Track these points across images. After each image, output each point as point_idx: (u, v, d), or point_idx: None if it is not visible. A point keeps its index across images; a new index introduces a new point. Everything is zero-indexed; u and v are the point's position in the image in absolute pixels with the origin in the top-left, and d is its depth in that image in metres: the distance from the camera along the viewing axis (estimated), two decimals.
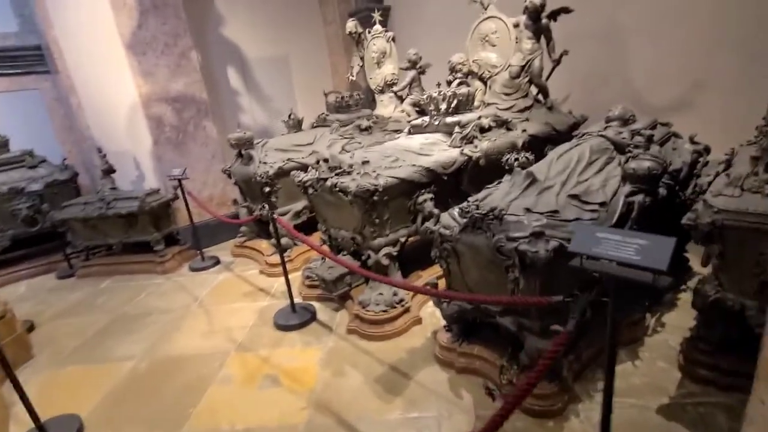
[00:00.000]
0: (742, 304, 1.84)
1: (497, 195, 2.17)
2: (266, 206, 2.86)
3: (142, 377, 2.71)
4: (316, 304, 3.31)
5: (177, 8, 4.53)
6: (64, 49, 4.57)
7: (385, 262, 2.89)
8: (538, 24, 3.61)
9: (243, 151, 4.10)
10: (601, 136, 2.55)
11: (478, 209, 1.94)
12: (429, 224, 2.19)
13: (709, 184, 2.05)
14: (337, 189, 2.79)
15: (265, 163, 3.97)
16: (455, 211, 2.13)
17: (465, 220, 1.95)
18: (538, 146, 3.59)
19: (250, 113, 5.83)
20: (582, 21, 3.75)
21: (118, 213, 4.24)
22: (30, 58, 5.25)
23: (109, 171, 4.50)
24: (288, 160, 4.05)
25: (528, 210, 1.94)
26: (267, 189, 3.96)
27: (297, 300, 3.37)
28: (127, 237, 4.44)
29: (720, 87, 3.42)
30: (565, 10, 3.60)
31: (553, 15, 3.63)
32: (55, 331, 3.45)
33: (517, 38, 3.72)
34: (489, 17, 3.84)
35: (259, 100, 5.90)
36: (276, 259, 3.82)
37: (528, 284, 1.82)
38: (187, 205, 4.33)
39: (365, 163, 2.83)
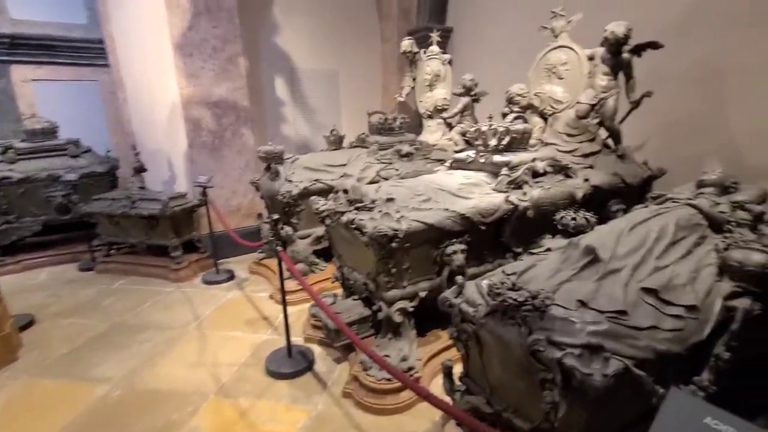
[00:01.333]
0: None
1: (542, 270, 1.66)
2: (274, 238, 2.51)
3: (110, 409, 2.42)
4: (318, 349, 2.91)
5: (231, 12, 4.44)
6: (118, 44, 4.61)
7: (398, 319, 2.44)
8: (618, 58, 3.08)
9: (272, 165, 3.85)
10: (691, 205, 1.96)
11: (513, 290, 1.45)
12: (448, 294, 1.73)
13: None
14: (354, 226, 2.39)
15: (290, 181, 3.68)
16: (484, 283, 1.65)
17: (494, 302, 1.47)
18: (601, 200, 3.06)
19: (292, 125, 5.65)
20: (672, 59, 3.16)
21: (140, 214, 4.13)
22: (93, 51, 5.42)
23: (140, 170, 4.43)
24: (316, 180, 3.74)
25: (583, 303, 1.42)
26: (288, 209, 3.66)
27: (298, 340, 3.00)
28: (148, 239, 4.32)
29: None
30: (654, 45, 3.04)
31: (638, 50, 3.08)
32: (51, 331, 3.30)
33: (590, 73, 3.20)
34: (559, 46, 3.35)
35: (303, 112, 5.71)
36: (291, 284, 3.49)
37: (571, 413, 1.29)
38: (208, 213, 4.14)
39: (390, 200, 2.42)
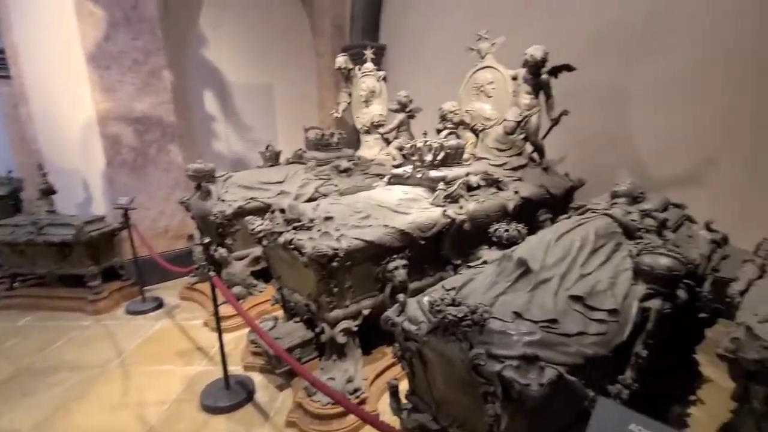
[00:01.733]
0: None
1: (480, 284, 1.71)
2: (207, 261, 2.35)
3: None
4: (258, 377, 2.76)
5: (153, 24, 4.17)
6: (21, 54, 4.13)
7: (342, 339, 2.38)
8: (538, 79, 3.31)
9: (202, 184, 3.63)
10: (607, 215, 2.14)
11: (453, 305, 1.46)
12: (391, 313, 1.71)
13: (742, 294, 1.64)
14: (292, 247, 2.31)
15: (223, 200, 3.49)
16: (425, 300, 1.65)
17: (435, 319, 1.47)
18: (531, 210, 3.23)
19: (225, 141, 5.41)
20: (585, 81, 3.47)
21: (49, 240, 3.68)
22: None
23: (47, 191, 3.97)
24: (251, 199, 3.58)
25: (518, 315, 1.47)
26: (222, 230, 3.46)
27: (236, 369, 2.82)
28: (59, 268, 3.86)
29: (734, 164, 3.11)
30: (568, 68, 3.31)
31: (554, 71, 3.35)
32: None
33: (514, 92, 3.42)
34: (486, 67, 3.55)
35: (236, 127, 5.50)
36: (227, 309, 3.28)
37: (512, 423, 1.33)
38: (131, 237, 3.79)
39: (328, 218, 2.37)
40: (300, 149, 4.43)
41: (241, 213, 3.49)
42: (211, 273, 2.34)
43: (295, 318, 2.74)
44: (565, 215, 2.37)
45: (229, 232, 3.54)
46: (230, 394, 2.52)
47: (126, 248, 4.00)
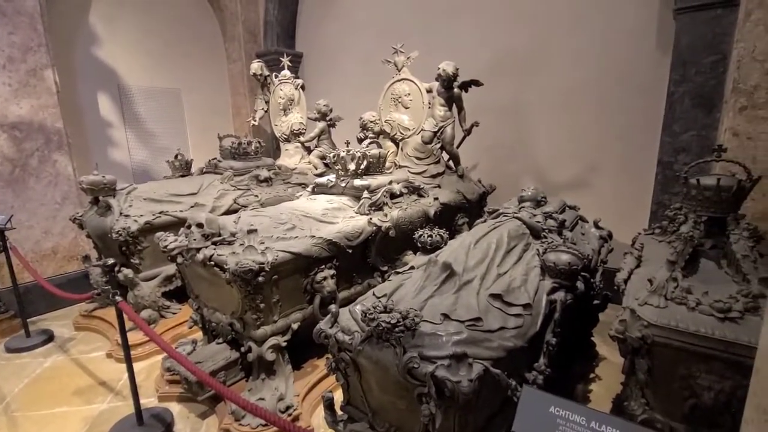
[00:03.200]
0: (670, 428, 1.63)
1: (409, 289, 1.77)
2: (109, 285, 2.09)
3: None
4: (177, 407, 2.52)
5: (33, 18, 3.64)
6: None
7: (271, 357, 2.28)
8: (451, 92, 3.54)
9: (100, 198, 3.23)
10: (517, 218, 2.35)
11: (385, 312, 1.49)
12: (323, 325, 1.69)
13: (625, 282, 1.92)
14: (213, 263, 2.17)
15: (127, 215, 3.15)
16: (357, 309, 1.66)
17: (369, 327, 1.49)
18: (449, 215, 3.42)
19: (124, 150, 4.89)
20: (491, 96, 3.79)
21: None
22: None
23: None
24: (160, 213, 3.28)
25: (446, 316, 1.55)
26: (126, 249, 3.12)
27: (150, 401, 2.55)
28: None
29: (611, 170, 3.62)
30: (476, 83, 3.60)
31: (465, 86, 3.61)
32: None
33: (430, 103, 3.60)
34: (403, 79, 3.69)
35: (139, 135, 5.00)
36: (136, 336, 2.96)
37: (446, 420, 1.39)
38: (9, 261, 3.24)
39: (252, 231, 2.27)
40: (214, 158, 4.18)
41: (148, 229, 3.18)
42: (117, 297, 2.09)
43: (218, 339, 2.56)
44: (481, 219, 2.56)
45: (135, 251, 3.20)
46: (145, 430, 2.26)
47: (4, 274, 3.41)
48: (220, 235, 2.25)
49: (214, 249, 2.19)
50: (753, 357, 1.12)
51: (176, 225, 3.02)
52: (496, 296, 1.72)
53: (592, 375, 2.71)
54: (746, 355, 1.39)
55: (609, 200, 3.59)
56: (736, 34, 2.54)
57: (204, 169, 4.14)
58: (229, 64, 5.74)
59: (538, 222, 2.33)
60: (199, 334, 2.81)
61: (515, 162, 4.13)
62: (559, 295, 1.88)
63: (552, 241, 2.19)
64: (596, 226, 2.73)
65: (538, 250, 2.12)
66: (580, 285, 2.04)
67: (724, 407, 1.53)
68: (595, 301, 2.46)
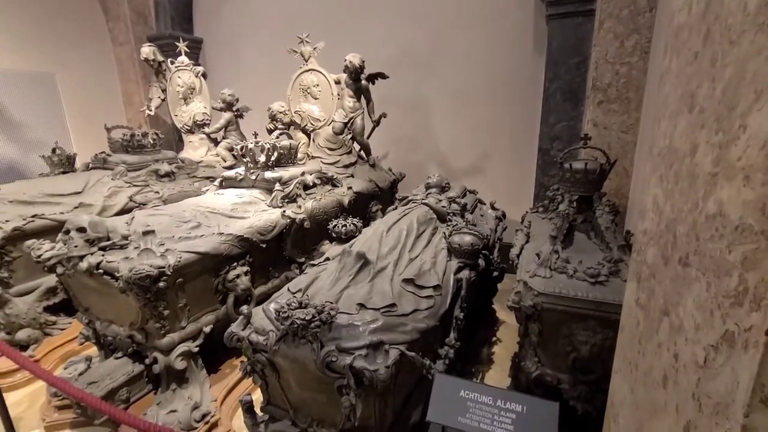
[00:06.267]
0: (558, 379, 1.79)
1: (324, 282, 1.68)
2: None
3: None
4: None
5: None
6: None
7: (181, 365, 2.02)
8: (358, 84, 3.45)
9: None
10: (424, 203, 2.38)
11: (300, 308, 1.38)
12: (235, 328, 1.52)
13: (518, 257, 2.05)
14: (102, 272, 1.83)
15: None
16: (271, 308, 1.52)
17: (284, 326, 1.37)
18: (363, 203, 3.37)
19: None
20: (396, 89, 3.79)
21: None
22: None
23: None
24: (34, 217, 2.70)
25: (362, 305, 1.50)
26: None
27: None
28: None
29: (501, 158, 3.88)
30: (382, 76, 3.55)
31: (371, 78, 3.54)
32: None
33: (338, 95, 3.47)
34: (310, 69, 3.50)
35: (3, 126, 4.08)
36: (6, 363, 2.42)
37: (367, 408, 1.34)
38: None
39: (148, 233, 1.96)
40: (102, 152, 3.57)
41: (19, 236, 2.60)
42: None
43: (116, 353, 2.20)
44: (393, 206, 2.54)
45: (3, 262, 2.60)
46: None
47: None
48: (109, 239, 1.91)
49: (103, 255, 1.85)
50: (618, 313, 1.25)
51: (56, 229, 2.50)
52: (408, 281, 1.71)
53: (494, 339, 2.90)
54: (612, 312, 1.57)
55: (501, 184, 3.84)
56: (593, 39, 2.83)
57: (90, 165, 3.53)
58: (115, 47, 4.93)
59: (444, 207, 2.39)
60: (94, 350, 2.39)
61: (420, 151, 4.22)
62: (465, 274, 1.95)
63: (456, 224, 2.26)
64: (492, 207, 2.89)
65: (444, 233, 2.17)
66: (481, 262, 2.14)
67: (597, 357, 1.72)
68: (495, 274, 2.61)
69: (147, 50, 4.05)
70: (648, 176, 0.97)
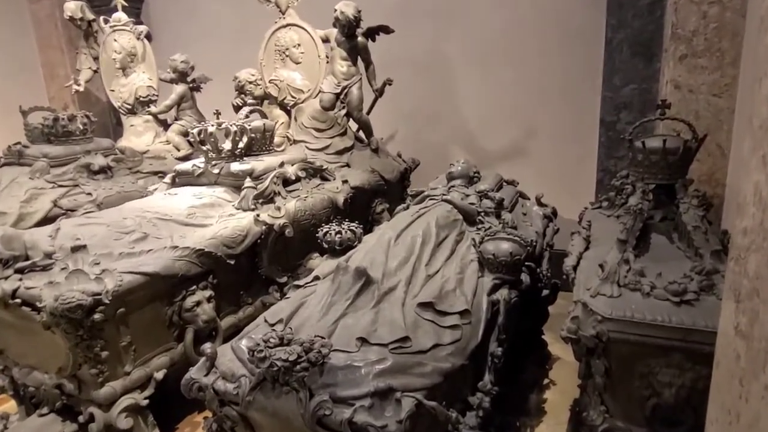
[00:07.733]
0: None
1: (313, 309, 1.71)
2: None
3: None
4: None
5: None
6: None
7: (126, 424, 2.07)
8: (354, 42, 3.49)
9: None
10: (446, 200, 2.40)
11: (281, 345, 1.40)
12: (195, 374, 1.55)
13: (575, 269, 2.05)
14: (18, 302, 1.88)
15: None
16: (243, 345, 1.55)
17: (260, 369, 1.39)
18: (364, 201, 3.41)
19: None
20: (403, 46, 3.80)
21: None
22: None
23: None
24: None
25: (364, 340, 1.52)
26: None
27: None
28: None
29: (550, 134, 3.87)
30: (385, 30, 3.58)
31: (370, 33, 3.57)
32: None
33: (328, 57, 3.51)
34: (289, 25, 3.54)
35: None
36: None
37: None
38: None
39: (78, 249, 2.01)
40: (18, 143, 3.68)
41: None
42: None
43: (41, 409, 2.26)
44: (403, 205, 2.57)
45: None
46: None
47: None
48: (27, 258, 1.97)
49: (20, 280, 1.92)
50: (711, 343, 1.25)
51: None
52: (426, 305, 1.73)
53: (546, 381, 2.91)
54: (706, 342, 1.56)
55: (550, 171, 3.84)
56: None
57: (2, 160, 3.63)
58: (31, 3, 5.05)
59: (472, 204, 2.41)
60: (11, 405, 2.46)
61: (440, 129, 4.23)
62: (502, 294, 1.95)
63: (490, 227, 2.27)
64: (539, 203, 2.90)
65: (473, 239, 2.18)
66: (525, 278, 2.15)
67: (686, 402, 1.71)
68: (544, 292, 2.61)
69: (72, 6, 4.15)
70: (747, 157, 0.96)
